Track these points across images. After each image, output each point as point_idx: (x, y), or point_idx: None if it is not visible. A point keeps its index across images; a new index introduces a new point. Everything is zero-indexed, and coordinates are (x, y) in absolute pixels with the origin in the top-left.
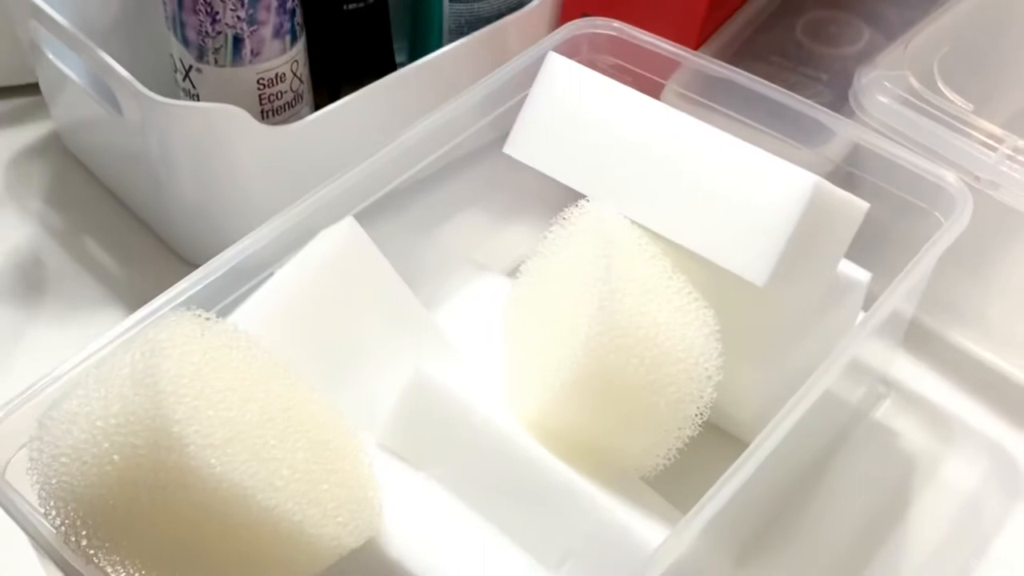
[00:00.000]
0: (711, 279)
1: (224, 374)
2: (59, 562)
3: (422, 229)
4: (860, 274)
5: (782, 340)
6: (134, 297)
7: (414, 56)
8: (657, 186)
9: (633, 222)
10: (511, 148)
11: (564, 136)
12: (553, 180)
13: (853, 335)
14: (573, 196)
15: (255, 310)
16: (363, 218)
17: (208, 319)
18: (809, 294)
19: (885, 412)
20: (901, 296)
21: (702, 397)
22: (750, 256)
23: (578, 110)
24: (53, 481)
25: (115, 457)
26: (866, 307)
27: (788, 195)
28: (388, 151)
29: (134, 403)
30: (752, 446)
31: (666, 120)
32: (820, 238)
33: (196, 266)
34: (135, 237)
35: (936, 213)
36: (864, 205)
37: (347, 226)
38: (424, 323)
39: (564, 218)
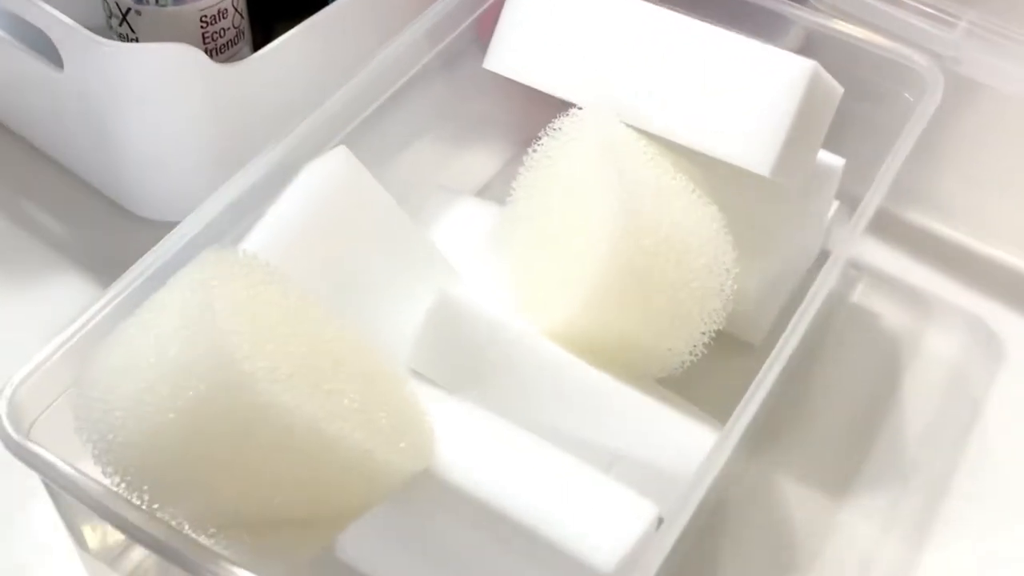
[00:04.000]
0: (708, 176)
1: (269, 310)
2: (118, 522)
3: (378, 163)
4: (835, 160)
5: (778, 230)
6: (87, 257)
7: None
8: (651, 86)
9: (629, 125)
10: (491, 63)
11: (546, 45)
12: (504, 103)
13: (849, 233)
14: (530, 117)
15: (257, 246)
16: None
17: (244, 254)
18: (800, 182)
19: (861, 295)
20: (886, 185)
21: (723, 290)
22: (753, 147)
23: (558, 15)
24: (109, 436)
25: (178, 403)
26: (837, 195)
27: (787, 82)
28: (344, 92)
29: (191, 344)
30: (773, 354)
31: (651, 17)
32: (812, 125)
33: (147, 220)
34: (78, 197)
35: (906, 94)
36: (839, 89)
37: (340, 155)
38: (429, 249)
39: (556, 128)
